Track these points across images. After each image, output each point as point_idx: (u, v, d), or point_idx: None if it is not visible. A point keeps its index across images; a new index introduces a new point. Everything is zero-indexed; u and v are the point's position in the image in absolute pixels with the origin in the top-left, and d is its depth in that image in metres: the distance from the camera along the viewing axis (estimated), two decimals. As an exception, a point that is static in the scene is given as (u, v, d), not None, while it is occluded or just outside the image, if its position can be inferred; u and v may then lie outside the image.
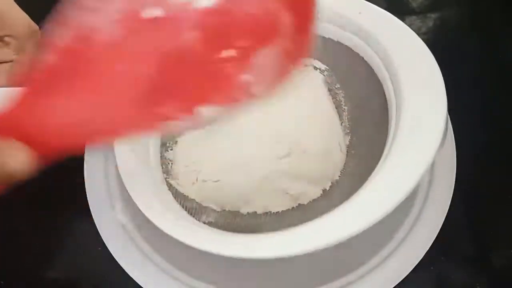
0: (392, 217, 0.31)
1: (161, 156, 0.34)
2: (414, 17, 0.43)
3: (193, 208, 0.33)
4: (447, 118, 0.27)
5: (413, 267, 0.29)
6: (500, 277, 0.32)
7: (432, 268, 0.32)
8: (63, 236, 0.35)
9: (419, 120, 0.27)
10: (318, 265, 0.32)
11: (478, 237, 0.33)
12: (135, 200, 0.28)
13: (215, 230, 0.29)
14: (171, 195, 0.32)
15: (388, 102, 0.30)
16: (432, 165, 0.32)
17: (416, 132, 0.26)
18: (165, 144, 0.35)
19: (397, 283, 0.29)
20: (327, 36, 0.34)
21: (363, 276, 0.29)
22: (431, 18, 0.43)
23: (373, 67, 0.32)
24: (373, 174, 0.27)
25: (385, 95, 0.30)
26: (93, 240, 0.32)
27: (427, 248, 0.29)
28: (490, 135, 0.38)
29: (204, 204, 0.33)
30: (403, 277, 0.29)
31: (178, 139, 0.36)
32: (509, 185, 0.35)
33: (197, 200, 0.33)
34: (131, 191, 0.29)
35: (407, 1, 0.45)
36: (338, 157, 0.34)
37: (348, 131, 0.35)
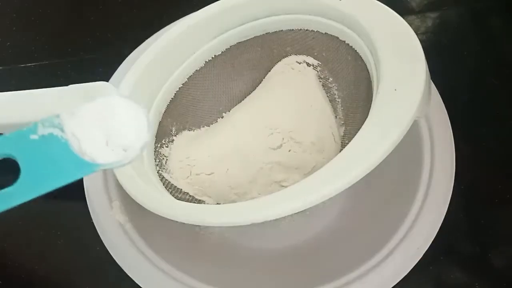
0: (392, 216, 0.31)
1: (155, 152, 0.34)
2: (413, 17, 0.43)
3: (186, 200, 0.33)
4: (429, 83, 0.27)
5: (412, 266, 0.29)
6: (499, 277, 0.32)
7: (431, 267, 0.32)
8: (62, 236, 0.35)
9: (398, 85, 0.27)
10: (318, 265, 0.32)
11: (477, 237, 0.33)
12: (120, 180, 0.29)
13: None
14: (161, 183, 0.32)
15: (372, 82, 0.30)
16: (432, 165, 0.32)
17: (394, 95, 0.26)
18: (161, 140, 0.35)
19: (396, 282, 0.29)
20: (315, 30, 0.34)
21: (362, 275, 0.29)
22: (431, 18, 0.43)
23: (358, 52, 0.32)
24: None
25: (370, 77, 0.30)
26: (92, 240, 0.32)
27: (426, 248, 0.29)
28: (490, 134, 0.37)
29: (198, 198, 0.33)
30: (402, 276, 0.29)
31: (175, 138, 0.36)
32: (509, 184, 0.35)
33: (190, 193, 0.33)
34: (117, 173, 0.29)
35: (406, 1, 0.45)
36: (332, 148, 0.34)
37: (342, 122, 0.35)
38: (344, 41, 0.33)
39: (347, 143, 0.31)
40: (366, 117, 0.27)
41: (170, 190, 0.32)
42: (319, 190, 0.25)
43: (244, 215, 0.25)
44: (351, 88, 0.34)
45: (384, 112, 0.26)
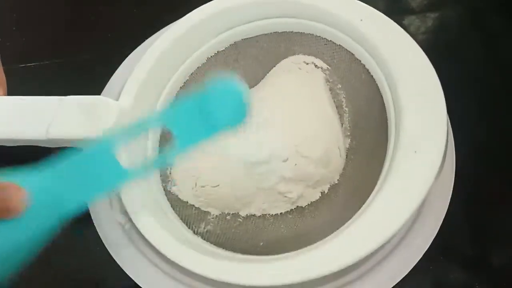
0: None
1: None
2: (413, 17, 0.43)
3: (192, 215, 0.33)
4: (447, 139, 0.28)
5: (412, 267, 0.29)
6: (499, 277, 0.32)
7: (431, 268, 0.32)
8: (62, 236, 0.35)
9: (418, 146, 0.27)
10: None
11: (477, 237, 0.33)
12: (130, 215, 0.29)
13: (210, 250, 0.30)
14: (168, 203, 0.32)
15: (388, 115, 0.30)
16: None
17: (413, 161, 0.27)
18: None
19: (396, 282, 0.29)
20: (329, 39, 0.34)
21: (362, 276, 0.29)
22: (431, 18, 0.43)
23: (374, 76, 0.31)
24: (368, 202, 0.27)
25: (385, 106, 0.30)
26: (92, 240, 0.32)
27: (426, 248, 0.29)
28: (490, 135, 0.37)
29: (203, 209, 0.33)
30: (402, 277, 0.29)
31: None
32: (509, 185, 0.35)
33: (196, 205, 0.33)
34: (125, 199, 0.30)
35: (406, 1, 0.44)
36: (337, 161, 0.33)
37: (348, 133, 0.34)
38: (360, 61, 0.32)
39: (352, 158, 0.31)
40: (375, 141, 0.29)
41: (177, 207, 0.33)
42: (341, 260, 0.25)
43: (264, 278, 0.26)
44: (361, 104, 0.34)
45: (402, 179, 0.27)
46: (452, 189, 0.31)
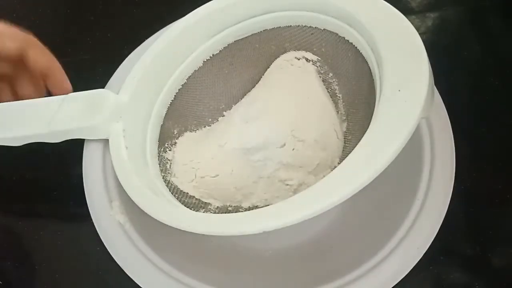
0: (392, 216, 0.31)
1: (159, 157, 0.34)
2: (413, 17, 0.43)
3: (193, 204, 0.33)
4: (433, 83, 0.27)
5: (412, 267, 0.29)
6: (499, 277, 0.32)
7: (431, 268, 0.32)
8: (62, 236, 0.35)
9: (402, 85, 0.27)
10: (318, 265, 0.32)
11: (477, 237, 0.33)
12: (127, 192, 0.29)
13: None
14: (167, 189, 0.32)
15: (374, 80, 0.30)
16: (432, 165, 0.32)
17: (398, 95, 0.26)
18: (164, 144, 0.35)
19: (396, 282, 0.29)
20: (314, 26, 0.34)
21: (362, 275, 0.29)
22: (430, 18, 0.43)
23: (359, 48, 0.32)
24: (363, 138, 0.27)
25: (371, 74, 0.30)
26: (92, 240, 0.32)
27: (426, 248, 0.29)
28: (490, 134, 0.37)
29: (204, 200, 0.33)
30: (402, 277, 0.29)
31: (177, 140, 0.35)
32: (509, 184, 0.35)
33: (196, 197, 0.33)
34: (125, 185, 0.30)
35: (406, 1, 0.44)
36: (335, 145, 0.33)
37: (344, 118, 0.35)
38: (344, 37, 0.33)
39: (350, 138, 0.31)
40: (369, 114, 0.27)
41: (176, 195, 0.32)
42: (329, 197, 0.25)
43: (256, 224, 0.26)
44: (352, 84, 0.34)
45: (389, 114, 0.26)
46: (452, 189, 0.31)
